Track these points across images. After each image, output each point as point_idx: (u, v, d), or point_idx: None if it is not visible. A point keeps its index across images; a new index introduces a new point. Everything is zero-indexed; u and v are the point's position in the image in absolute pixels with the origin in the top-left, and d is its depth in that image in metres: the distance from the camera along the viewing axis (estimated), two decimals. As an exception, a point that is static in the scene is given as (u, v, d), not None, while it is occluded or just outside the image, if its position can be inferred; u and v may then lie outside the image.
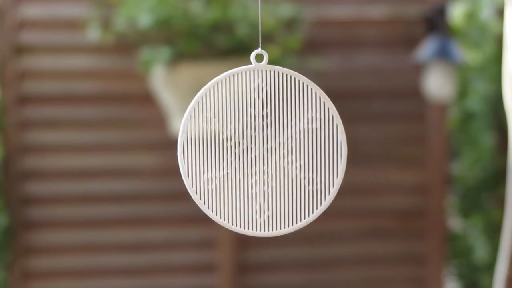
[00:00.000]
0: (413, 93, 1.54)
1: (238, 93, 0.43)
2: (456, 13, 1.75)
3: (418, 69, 1.53)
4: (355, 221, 1.58)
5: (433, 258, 1.58)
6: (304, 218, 0.43)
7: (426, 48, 1.40)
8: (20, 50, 1.48)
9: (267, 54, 0.42)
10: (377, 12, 1.55)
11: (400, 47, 1.56)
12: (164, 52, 1.25)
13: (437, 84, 1.40)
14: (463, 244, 1.82)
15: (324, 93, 0.42)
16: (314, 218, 0.43)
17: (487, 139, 1.77)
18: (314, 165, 0.43)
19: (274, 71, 0.43)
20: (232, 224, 0.43)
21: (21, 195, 1.50)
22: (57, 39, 1.49)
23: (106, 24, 1.40)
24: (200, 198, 0.44)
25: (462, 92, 1.81)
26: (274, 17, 1.33)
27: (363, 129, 1.56)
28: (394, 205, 1.59)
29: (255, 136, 0.43)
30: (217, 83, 0.43)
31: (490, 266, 1.68)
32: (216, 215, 0.44)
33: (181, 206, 1.54)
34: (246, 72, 0.43)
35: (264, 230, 0.43)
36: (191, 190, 0.44)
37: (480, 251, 1.74)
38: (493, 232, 1.70)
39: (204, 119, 0.43)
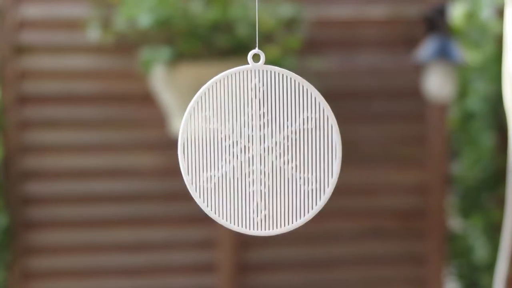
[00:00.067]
0: (413, 93, 1.55)
1: (236, 92, 0.43)
2: (456, 13, 1.75)
3: (418, 69, 1.53)
4: (355, 221, 1.58)
5: (433, 258, 1.58)
6: (300, 218, 0.43)
7: (426, 48, 1.40)
8: (20, 50, 1.48)
9: (263, 54, 0.43)
10: (377, 12, 1.55)
11: (400, 47, 1.56)
12: (164, 52, 1.25)
13: (437, 84, 1.40)
14: (463, 244, 1.82)
15: (320, 94, 0.42)
16: (310, 218, 0.43)
17: (487, 139, 1.77)
18: (310, 165, 0.43)
19: (270, 71, 0.43)
20: (230, 223, 0.44)
21: (21, 195, 1.50)
22: (57, 39, 1.49)
23: (106, 24, 1.40)
24: (200, 197, 0.44)
25: (462, 92, 1.81)
26: (274, 17, 1.33)
27: (363, 129, 1.56)
28: (394, 205, 1.59)
29: (252, 135, 0.43)
30: (216, 83, 0.43)
31: (490, 266, 1.68)
32: (215, 213, 0.44)
33: (181, 206, 1.54)
34: (243, 72, 0.43)
35: (261, 229, 0.44)
36: (191, 188, 0.44)
37: (480, 251, 1.75)
38: (493, 232, 1.70)
39: (204, 118, 0.43)
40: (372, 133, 1.57)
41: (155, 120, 1.50)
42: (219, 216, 0.44)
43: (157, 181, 1.53)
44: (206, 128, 0.43)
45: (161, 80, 1.30)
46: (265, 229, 0.44)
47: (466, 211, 1.83)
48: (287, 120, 0.43)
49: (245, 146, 0.43)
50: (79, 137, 1.51)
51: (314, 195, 0.43)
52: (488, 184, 1.76)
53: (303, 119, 0.42)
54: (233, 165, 0.43)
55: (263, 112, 0.43)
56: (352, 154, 1.56)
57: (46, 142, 1.50)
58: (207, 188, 0.44)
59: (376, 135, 1.57)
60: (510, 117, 0.90)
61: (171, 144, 1.50)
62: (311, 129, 0.42)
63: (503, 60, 0.96)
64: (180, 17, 1.25)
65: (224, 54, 1.27)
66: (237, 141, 0.43)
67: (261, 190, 0.43)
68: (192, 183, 0.44)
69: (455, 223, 1.88)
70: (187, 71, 1.26)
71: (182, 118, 1.32)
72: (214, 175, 0.44)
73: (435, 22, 1.43)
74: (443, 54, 1.38)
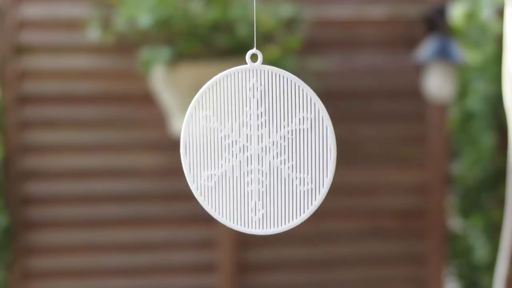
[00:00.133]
0: (413, 93, 1.55)
1: (235, 92, 0.44)
2: (456, 13, 1.75)
3: (418, 69, 1.53)
4: (355, 221, 1.58)
5: (433, 258, 1.58)
6: (296, 218, 0.43)
7: (426, 48, 1.40)
8: (20, 50, 1.48)
9: (261, 54, 0.43)
10: (377, 12, 1.55)
11: (400, 47, 1.56)
12: (164, 52, 1.25)
13: (437, 84, 1.40)
14: (463, 244, 1.82)
15: (315, 94, 0.42)
16: (305, 218, 0.43)
17: (487, 139, 1.77)
18: (305, 165, 0.43)
19: (268, 71, 0.43)
20: (230, 221, 0.44)
21: (21, 195, 1.50)
22: (57, 39, 1.49)
23: (106, 24, 1.40)
24: (201, 195, 0.45)
25: (462, 92, 1.81)
26: (274, 17, 1.33)
27: (363, 129, 1.56)
28: (394, 205, 1.59)
29: (250, 135, 0.43)
30: (216, 83, 0.44)
31: (490, 266, 1.68)
32: (215, 211, 0.44)
33: (181, 206, 1.54)
34: (241, 72, 0.43)
35: (259, 228, 0.44)
36: (192, 187, 0.45)
37: (480, 251, 1.75)
38: (493, 232, 1.70)
39: (204, 117, 0.44)
40: (372, 133, 1.57)
41: (155, 120, 1.50)
42: (219, 214, 0.44)
43: (157, 181, 1.53)
44: (206, 127, 0.44)
45: (161, 80, 1.30)
46: (263, 228, 0.44)
47: (466, 211, 1.83)
48: (284, 120, 0.43)
49: (243, 146, 0.44)
50: (79, 137, 1.51)
51: (310, 195, 0.43)
52: (488, 184, 1.76)
53: (299, 119, 0.43)
54: (232, 164, 0.44)
55: (261, 112, 0.43)
56: (352, 154, 1.56)
57: (46, 142, 1.50)
58: (207, 186, 0.44)
59: (376, 135, 1.57)
60: (510, 117, 0.90)
61: (171, 144, 1.50)
62: (307, 129, 0.43)
63: (503, 60, 0.96)
64: (180, 17, 1.25)
65: (224, 54, 1.27)
66: (236, 140, 0.44)
67: (259, 190, 0.44)
68: (193, 181, 0.45)
69: (455, 223, 1.88)
70: (187, 71, 1.26)
71: (182, 118, 1.31)
72: (214, 174, 0.44)
73: (435, 22, 1.43)
74: (443, 54, 1.38)
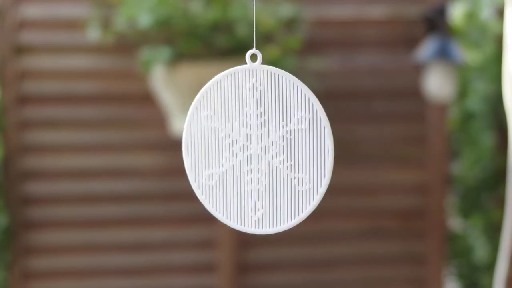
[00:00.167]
0: (413, 93, 1.55)
1: (235, 92, 0.44)
2: (456, 13, 1.75)
3: (418, 69, 1.53)
4: (355, 221, 1.58)
5: (433, 258, 1.58)
6: (294, 218, 0.43)
7: (426, 48, 1.40)
8: (20, 50, 1.48)
9: (261, 54, 0.43)
10: (377, 12, 1.55)
11: (400, 47, 1.56)
12: (164, 52, 1.25)
13: (437, 84, 1.40)
14: (463, 244, 1.82)
15: (313, 94, 0.43)
16: (303, 218, 0.43)
17: (487, 139, 1.77)
18: (304, 165, 0.43)
19: (266, 71, 0.43)
20: (230, 221, 0.45)
21: (21, 195, 1.50)
22: (57, 39, 1.49)
23: (106, 24, 1.40)
24: (202, 194, 0.45)
25: (462, 92, 1.81)
26: (274, 17, 1.33)
27: (363, 129, 1.56)
28: (394, 205, 1.59)
29: (250, 134, 0.43)
30: (217, 82, 0.44)
31: (490, 266, 1.68)
32: (216, 210, 0.45)
33: (181, 206, 1.54)
34: (242, 71, 0.43)
35: (259, 228, 0.44)
36: (194, 186, 0.45)
37: (480, 251, 1.75)
38: (493, 232, 1.70)
39: (205, 117, 0.44)
40: (372, 133, 1.57)
41: (155, 120, 1.50)
42: (219, 213, 0.45)
43: (157, 181, 1.53)
44: (207, 127, 0.44)
45: (161, 80, 1.30)
46: (262, 228, 0.44)
47: (466, 211, 1.83)
48: (283, 120, 0.43)
49: (243, 145, 0.44)
50: (79, 137, 1.51)
51: (308, 195, 0.43)
52: (488, 184, 1.76)
53: (297, 119, 0.43)
54: (233, 164, 0.44)
55: (260, 112, 0.43)
56: (352, 154, 1.56)
57: (46, 142, 1.50)
58: (208, 185, 0.45)
59: (376, 135, 1.57)
60: (510, 117, 0.90)
61: (171, 144, 1.50)
62: (305, 129, 0.43)
63: (503, 60, 0.96)
64: (180, 17, 1.25)
65: (224, 54, 1.27)
66: (236, 140, 0.44)
67: (258, 189, 0.44)
68: (195, 180, 0.45)
69: (455, 223, 1.88)
70: (187, 71, 1.26)
71: (182, 118, 1.31)
72: (215, 173, 0.44)
73: (435, 22, 1.43)
74: (443, 54, 1.38)
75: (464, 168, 1.84)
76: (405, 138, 1.58)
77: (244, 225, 0.44)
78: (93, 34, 1.39)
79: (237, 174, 0.44)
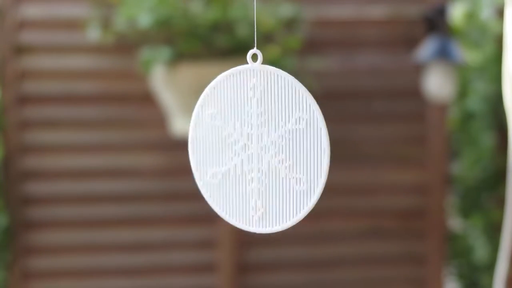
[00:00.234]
0: (413, 93, 1.55)
1: (237, 91, 0.44)
2: (456, 13, 1.75)
3: (418, 69, 1.53)
4: (355, 221, 1.58)
5: (433, 258, 1.58)
6: (292, 218, 0.44)
7: (426, 48, 1.40)
8: (20, 50, 1.48)
9: (261, 54, 0.43)
10: (377, 12, 1.55)
11: (400, 47, 1.56)
12: (164, 52, 1.25)
13: (437, 84, 1.40)
14: (463, 244, 1.82)
15: (310, 94, 0.43)
16: (300, 219, 0.43)
17: (487, 139, 1.77)
18: (301, 165, 0.43)
19: (266, 71, 0.43)
20: (233, 219, 0.45)
21: (21, 195, 1.50)
22: (57, 39, 1.49)
23: (106, 24, 1.40)
24: (207, 192, 0.45)
25: (462, 92, 1.81)
26: (274, 17, 1.33)
27: (363, 129, 1.56)
28: (394, 205, 1.59)
29: (251, 134, 0.44)
30: (221, 81, 0.44)
31: (490, 266, 1.68)
32: (220, 209, 0.45)
33: (181, 206, 1.54)
34: (244, 71, 0.44)
35: (260, 227, 0.44)
36: (199, 184, 0.46)
37: (480, 251, 1.75)
38: (493, 232, 1.70)
39: (209, 116, 0.45)
40: (372, 133, 1.57)
41: (155, 120, 1.50)
42: (222, 211, 0.45)
43: (157, 181, 1.53)
44: (212, 126, 0.45)
45: (161, 80, 1.30)
46: (262, 227, 0.44)
47: (466, 211, 1.83)
48: (281, 120, 0.43)
49: (245, 144, 0.44)
50: (79, 137, 1.51)
51: (305, 195, 0.43)
52: (488, 184, 1.76)
53: (295, 119, 0.43)
54: (235, 163, 0.44)
55: (261, 112, 0.44)
56: (352, 154, 1.56)
57: (46, 142, 1.50)
58: (213, 184, 0.45)
59: (376, 135, 1.57)
60: (510, 117, 0.90)
61: (171, 144, 1.50)
62: (303, 129, 0.43)
63: (503, 60, 0.96)
64: (180, 17, 1.25)
65: (224, 54, 1.27)
66: (238, 139, 0.44)
67: (259, 188, 0.44)
68: (200, 179, 0.45)
69: (455, 223, 1.88)
70: (187, 71, 1.26)
71: (182, 118, 1.31)
72: (219, 171, 0.45)
73: (435, 22, 1.43)
74: (443, 54, 1.38)
75: (464, 168, 1.84)
76: (405, 138, 1.58)
77: (246, 224, 0.45)
78: (93, 34, 1.39)
79: (239, 173, 0.44)
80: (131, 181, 1.52)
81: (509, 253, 0.97)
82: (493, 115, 1.72)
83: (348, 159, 1.56)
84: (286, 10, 1.38)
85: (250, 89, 0.44)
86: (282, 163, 0.43)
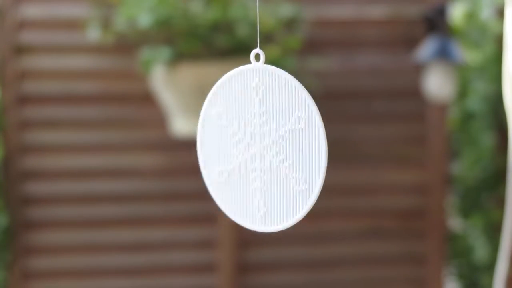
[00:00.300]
0: (413, 93, 1.55)
1: (241, 91, 0.44)
2: (456, 13, 1.75)
3: (418, 69, 1.53)
4: (355, 221, 1.58)
5: (433, 258, 1.58)
6: (292, 217, 0.44)
7: (426, 48, 1.40)
8: (20, 50, 1.48)
9: (263, 54, 0.43)
10: (377, 12, 1.55)
11: (400, 47, 1.56)
12: (164, 52, 1.25)
13: (437, 84, 1.40)
14: (463, 244, 1.82)
15: (309, 95, 0.43)
16: (300, 218, 0.44)
17: (487, 139, 1.77)
18: (300, 165, 0.43)
19: (268, 71, 0.44)
20: (238, 218, 0.45)
21: (21, 195, 1.50)
22: (57, 39, 1.49)
23: (106, 24, 1.40)
24: (213, 190, 0.46)
25: (462, 92, 1.81)
26: (274, 17, 1.33)
27: (363, 129, 1.56)
28: (394, 205, 1.59)
29: (254, 133, 0.44)
30: (227, 81, 0.45)
31: (490, 266, 1.68)
32: (225, 207, 0.46)
33: (181, 206, 1.54)
34: (248, 71, 0.44)
35: (262, 226, 0.45)
36: (207, 182, 0.46)
37: (480, 251, 1.75)
38: (493, 232, 1.70)
39: (216, 115, 0.45)
40: (372, 133, 1.57)
41: (155, 120, 1.50)
42: (228, 210, 0.46)
43: (157, 181, 1.53)
44: (218, 125, 0.45)
45: (161, 80, 1.30)
46: (265, 226, 0.45)
47: (466, 211, 1.83)
48: (282, 120, 0.43)
49: (248, 144, 0.44)
50: (79, 137, 1.51)
51: (304, 195, 0.43)
52: (488, 184, 1.76)
53: (295, 119, 0.43)
54: (239, 162, 0.45)
55: (263, 111, 0.44)
56: (352, 154, 1.56)
57: (46, 142, 1.50)
58: (219, 182, 0.46)
59: (376, 135, 1.57)
60: (510, 117, 0.90)
61: (171, 144, 1.50)
62: (302, 129, 0.43)
63: (503, 60, 0.96)
64: (180, 17, 1.25)
65: (224, 54, 1.27)
66: (242, 138, 0.45)
67: (261, 187, 0.44)
68: (208, 177, 0.46)
69: (455, 223, 1.88)
70: (187, 71, 1.26)
71: (182, 118, 1.31)
72: (225, 170, 0.45)
73: (435, 22, 1.43)
74: (443, 54, 1.38)
75: (464, 168, 1.84)
76: (405, 138, 1.58)
77: (250, 222, 0.45)
78: (93, 34, 1.39)
79: (243, 172, 0.45)
80: (131, 181, 1.52)
81: (509, 253, 0.97)
82: (493, 115, 1.72)
83: (348, 159, 1.56)
84: (286, 10, 1.38)
85: (253, 88, 0.44)
86: (283, 162, 0.44)
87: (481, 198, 1.79)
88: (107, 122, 1.51)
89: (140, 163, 1.52)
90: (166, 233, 1.55)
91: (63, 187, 1.51)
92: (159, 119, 1.49)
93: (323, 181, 0.43)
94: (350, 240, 1.58)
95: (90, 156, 1.51)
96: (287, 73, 0.43)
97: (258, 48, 0.44)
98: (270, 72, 0.43)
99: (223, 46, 1.26)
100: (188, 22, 1.25)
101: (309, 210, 0.43)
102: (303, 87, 0.43)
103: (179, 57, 1.26)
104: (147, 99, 1.49)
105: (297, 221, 0.44)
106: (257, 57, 0.44)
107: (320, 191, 0.43)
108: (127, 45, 1.45)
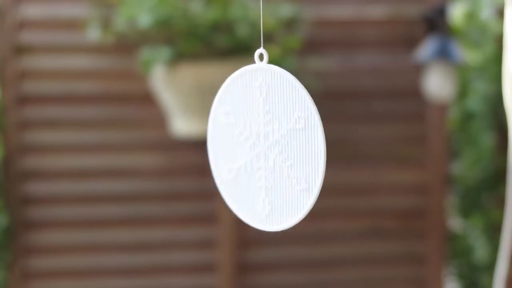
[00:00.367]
0: (413, 93, 1.55)
1: (246, 90, 0.45)
2: (456, 13, 1.75)
3: (418, 69, 1.53)
4: (355, 221, 1.58)
5: (433, 258, 1.58)
6: (293, 217, 0.44)
7: (426, 48, 1.40)
8: (20, 50, 1.48)
9: (267, 54, 0.44)
10: (377, 12, 1.55)
11: (400, 47, 1.56)
12: (164, 52, 1.25)
13: (437, 84, 1.40)
14: (463, 244, 1.82)
15: (309, 94, 0.43)
16: (301, 218, 0.44)
17: (487, 139, 1.77)
18: (300, 164, 0.43)
19: (271, 70, 0.44)
20: (245, 217, 0.46)
21: (21, 195, 1.50)
22: (57, 39, 1.49)
23: (106, 24, 1.40)
24: (223, 188, 0.47)
25: (462, 92, 1.81)
26: (274, 17, 1.33)
27: (363, 129, 1.56)
28: (394, 205, 1.59)
29: (259, 132, 0.44)
30: (234, 80, 0.45)
31: (490, 266, 1.68)
32: (233, 205, 0.46)
33: (181, 206, 1.54)
34: (253, 70, 0.45)
35: (267, 224, 0.45)
36: (217, 180, 0.47)
37: (480, 251, 1.75)
38: (493, 232, 1.70)
39: (224, 113, 0.46)
40: (372, 133, 1.57)
41: (155, 120, 1.50)
42: (236, 208, 0.46)
43: (157, 181, 1.53)
44: (226, 124, 0.46)
45: (161, 80, 1.30)
46: (269, 225, 0.45)
47: (466, 211, 1.83)
48: (284, 119, 0.44)
49: (254, 143, 0.45)
50: (79, 137, 1.51)
51: (304, 195, 0.43)
52: (488, 184, 1.76)
53: (295, 119, 0.43)
54: (245, 161, 0.45)
55: (267, 110, 0.44)
56: (352, 154, 1.56)
57: (46, 142, 1.50)
58: (227, 181, 0.46)
59: (376, 135, 1.57)
60: (510, 117, 0.90)
61: (171, 144, 1.50)
62: (301, 129, 0.43)
63: (503, 60, 0.96)
64: (180, 17, 1.25)
65: (224, 54, 1.27)
66: (248, 137, 0.45)
67: (265, 186, 0.45)
68: (218, 175, 0.47)
69: (455, 223, 1.88)
70: (187, 71, 1.26)
71: (182, 118, 1.31)
72: (233, 168, 0.46)
73: (435, 22, 1.43)
74: (443, 54, 1.38)
75: (464, 168, 1.84)
76: (405, 138, 1.58)
77: (255, 221, 0.45)
78: (93, 34, 1.39)
79: (249, 170, 0.45)
80: (131, 181, 1.52)
81: (509, 253, 0.97)
82: (493, 115, 1.72)
83: (348, 159, 1.56)
84: (286, 10, 1.38)
85: (257, 88, 0.44)
86: (285, 162, 0.44)
87: (481, 198, 1.79)
88: (107, 122, 1.51)
89: (140, 163, 1.52)
90: (166, 233, 1.55)
91: (63, 187, 1.51)
92: (159, 119, 1.49)
93: (322, 181, 0.43)
94: (350, 240, 1.58)
95: (90, 156, 1.51)
96: (288, 73, 0.43)
97: (261, 48, 0.44)
98: (273, 71, 0.44)
99: (223, 46, 1.26)
100: (188, 22, 1.25)
101: (309, 209, 0.43)
102: (303, 87, 0.43)
103: (179, 57, 1.26)
104: (147, 99, 1.49)
105: (299, 220, 0.44)
106: (261, 57, 0.44)
107: (319, 191, 0.43)
108: (127, 45, 1.45)
